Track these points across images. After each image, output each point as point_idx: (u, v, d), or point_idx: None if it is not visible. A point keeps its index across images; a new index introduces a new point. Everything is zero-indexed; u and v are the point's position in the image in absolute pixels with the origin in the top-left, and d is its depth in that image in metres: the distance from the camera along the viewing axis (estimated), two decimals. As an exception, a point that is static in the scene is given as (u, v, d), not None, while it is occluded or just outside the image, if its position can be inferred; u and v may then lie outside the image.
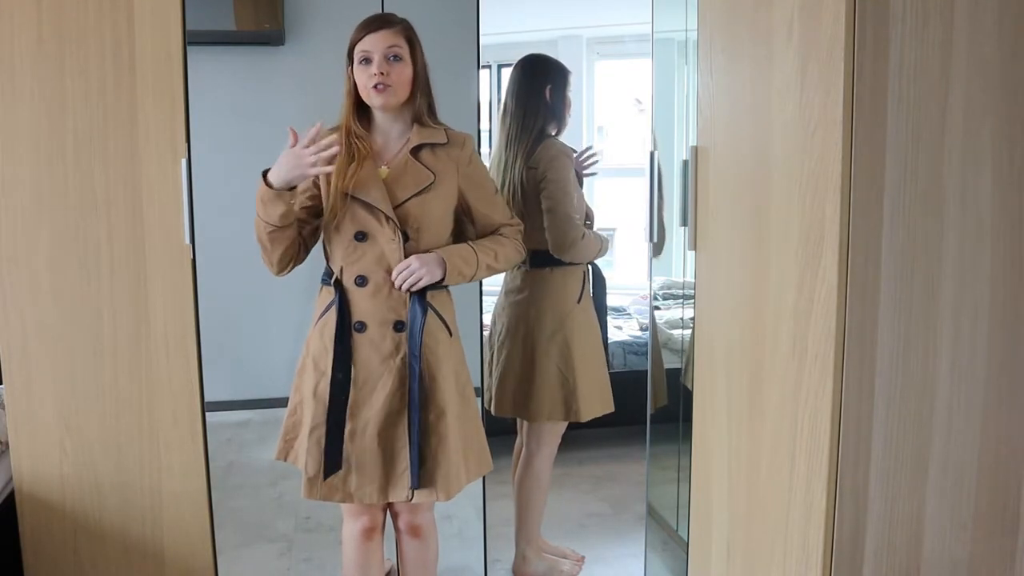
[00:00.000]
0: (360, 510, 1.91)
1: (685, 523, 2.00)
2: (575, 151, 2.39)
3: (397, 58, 1.80)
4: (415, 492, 1.84)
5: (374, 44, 1.79)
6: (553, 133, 2.36)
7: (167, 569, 2.06)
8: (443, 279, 1.82)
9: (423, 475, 1.84)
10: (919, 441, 1.46)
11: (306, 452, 1.84)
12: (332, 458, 1.82)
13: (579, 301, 2.35)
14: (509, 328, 2.40)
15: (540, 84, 2.34)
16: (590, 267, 2.42)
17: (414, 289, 1.81)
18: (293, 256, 1.87)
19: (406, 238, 1.82)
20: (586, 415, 2.36)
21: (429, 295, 1.84)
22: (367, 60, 1.80)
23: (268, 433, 2.61)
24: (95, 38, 1.89)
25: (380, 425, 1.83)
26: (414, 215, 1.83)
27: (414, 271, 1.79)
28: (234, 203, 2.42)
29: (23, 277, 1.95)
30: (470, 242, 1.92)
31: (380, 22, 1.82)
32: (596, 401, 2.38)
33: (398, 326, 1.83)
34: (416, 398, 1.82)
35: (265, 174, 1.76)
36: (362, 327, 1.83)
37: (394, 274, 1.80)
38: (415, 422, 1.81)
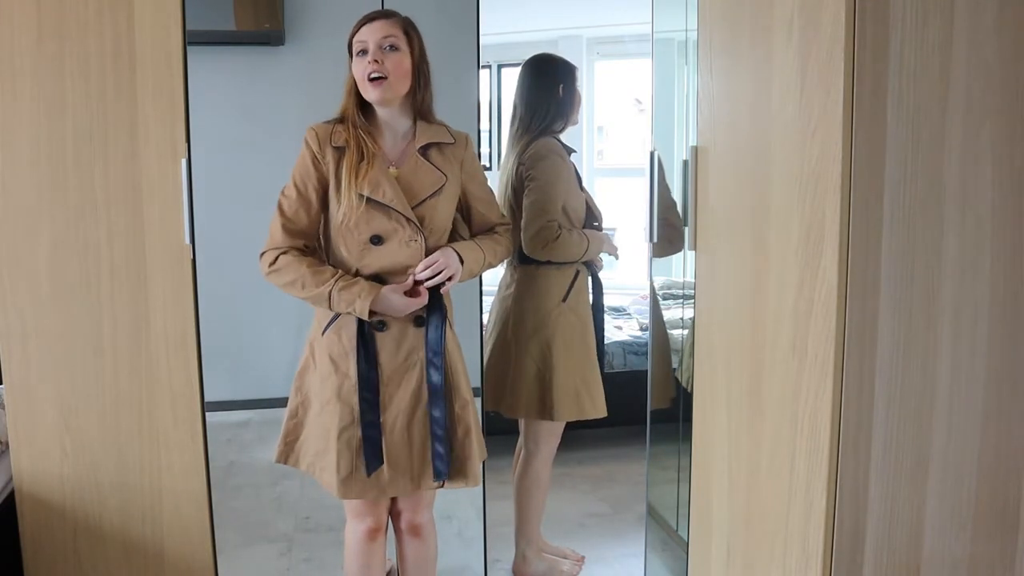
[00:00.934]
0: (366, 511, 1.91)
1: (685, 523, 2.00)
2: (574, 150, 2.39)
3: (393, 48, 1.78)
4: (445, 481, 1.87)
5: (369, 34, 1.78)
6: (559, 129, 2.35)
7: (167, 569, 2.06)
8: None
9: (451, 465, 1.86)
10: (919, 441, 1.46)
11: (336, 454, 1.82)
12: (373, 456, 1.82)
13: (564, 300, 2.33)
14: (496, 323, 2.40)
15: (551, 83, 2.34)
16: (585, 268, 2.40)
17: (441, 287, 1.81)
18: None
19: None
20: (562, 416, 2.33)
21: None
22: (363, 51, 1.79)
23: (268, 433, 2.60)
24: (95, 38, 1.89)
25: (408, 419, 1.84)
26: (428, 216, 1.83)
27: (442, 267, 1.80)
28: (234, 203, 2.42)
29: (23, 277, 1.95)
30: (472, 240, 1.93)
31: (378, 14, 1.81)
32: (576, 403, 2.34)
33: (418, 322, 1.84)
34: (440, 392, 1.83)
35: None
36: (383, 326, 1.83)
37: (421, 269, 1.79)
38: (439, 415, 1.83)
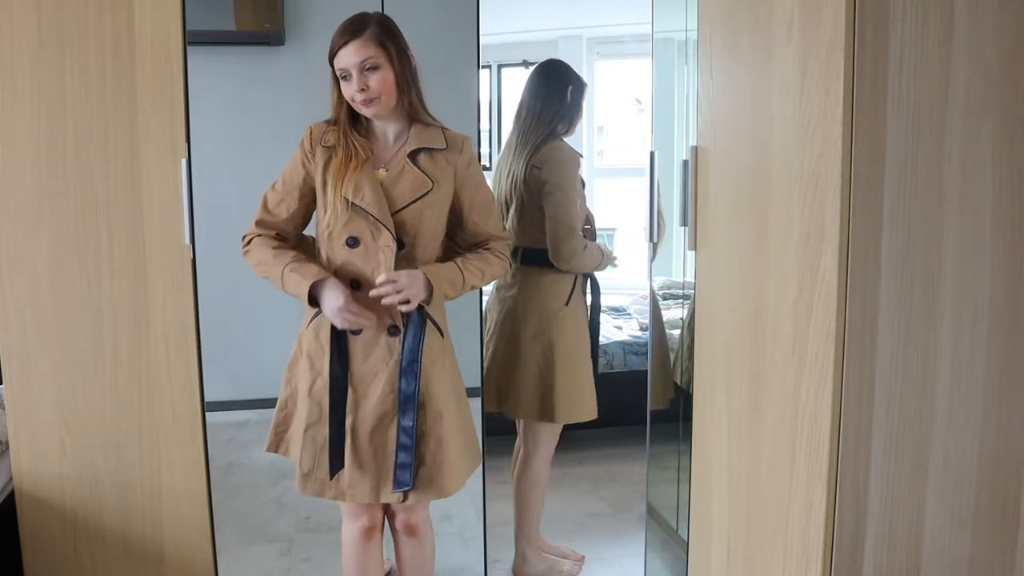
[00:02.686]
0: (360, 510, 1.91)
1: (685, 523, 2.00)
2: (581, 155, 2.40)
3: (374, 68, 1.76)
4: (409, 493, 1.84)
5: (348, 61, 1.76)
6: (562, 132, 2.36)
7: (167, 569, 2.06)
8: (428, 299, 1.79)
9: (420, 476, 1.84)
10: (919, 441, 1.46)
11: (300, 448, 1.84)
12: (334, 456, 1.82)
13: (567, 303, 2.34)
14: (497, 323, 2.40)
15: (563, 84, 2.36)
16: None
17: (403, 310, 1.78)
18: None
19: (401, 245, 1.80)
20: (561, 418, 2.34)
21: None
22: (346, 77, 1.78)
23: (268, 433, 2.59)
24: (95, 38, 1.89)
25: (373, 425, 1.82)
26: (411, 222, 1.81)
27: (401, 289, 1.75)
28: (234, 203, 2.42)
29: (23, 277, 1.95)
30: (458, 260, 1.87)
31: (350, 33, 1.77)
32: (574, 405, 2.35)
33: (392, 331, 1.82)
34: (412, 400, 1.81)
35: (310, 286, 1.77)
36: (357, 330, 1.83)
37: (379, 283, 1.75)
38: (408, 425, 1.81)
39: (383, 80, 1.77)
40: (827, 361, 1.43)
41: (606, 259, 2.41)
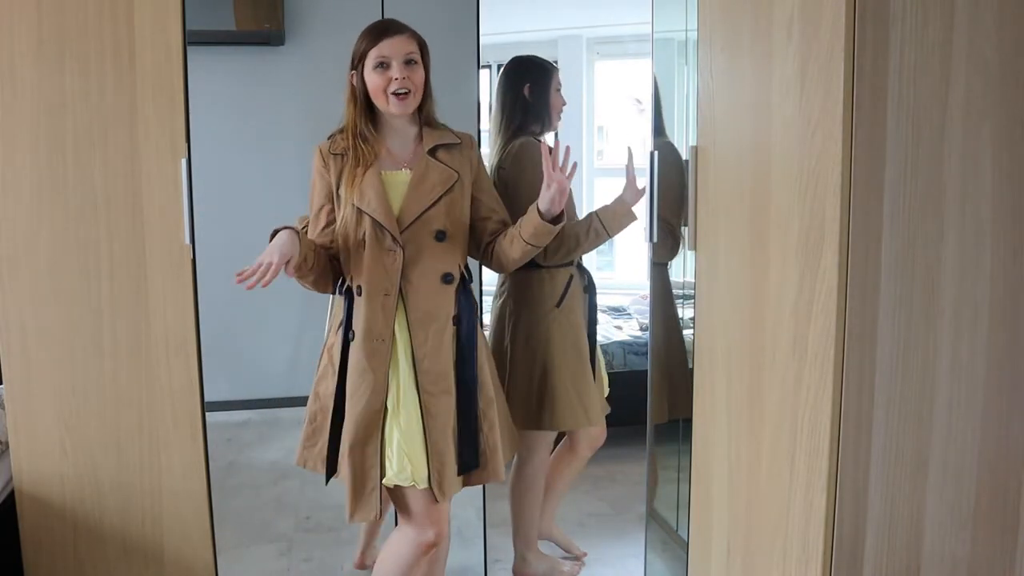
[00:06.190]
0: (431, 521, 1.86)
1: (685, 523, 2.00)
2: (551, 149, 2.33)
3: (413, 63, 1.82)
4: (473, 475, 1.89)
5: (393, 50, 1.80)
6: (537, 131, 2.33)
7: (167, 569, 2.06)
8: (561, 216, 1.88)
9: (478, 460, 1.88)
10: (919, 441, 1.46)
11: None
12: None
13: (559, 305, 2.25)
14: (492, 332, 2.34)
15: (518, 84, 2.31)
16: (579, 272, 2.31)
17: (463, 289, 1.86)
18: (330, 279, 1.88)
19: (441, 237, 1.83)
20: (557, 425, 2.27)
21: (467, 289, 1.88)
22: (384, 65, 1.80)
23: (268, 433, 2.60)
24: (95, 38, 1.89)
25: (447, 415, 1.84)
26: (445, 213, 1.84)
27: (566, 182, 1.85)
28: (234, 203, 2.42)
29: (23, 277, 1.95)
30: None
31: (395, 28, 1.83)
32: (567, 412, 2.25)
33: (455, 320, 1.85)
34: (473, 386, 1.85)
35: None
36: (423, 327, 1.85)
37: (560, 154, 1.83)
38: (474, 412, 1.85)
39: (419, 76, 1.83)
40: (827, 361, 1.43)
41: (615, 222, 2.13)
